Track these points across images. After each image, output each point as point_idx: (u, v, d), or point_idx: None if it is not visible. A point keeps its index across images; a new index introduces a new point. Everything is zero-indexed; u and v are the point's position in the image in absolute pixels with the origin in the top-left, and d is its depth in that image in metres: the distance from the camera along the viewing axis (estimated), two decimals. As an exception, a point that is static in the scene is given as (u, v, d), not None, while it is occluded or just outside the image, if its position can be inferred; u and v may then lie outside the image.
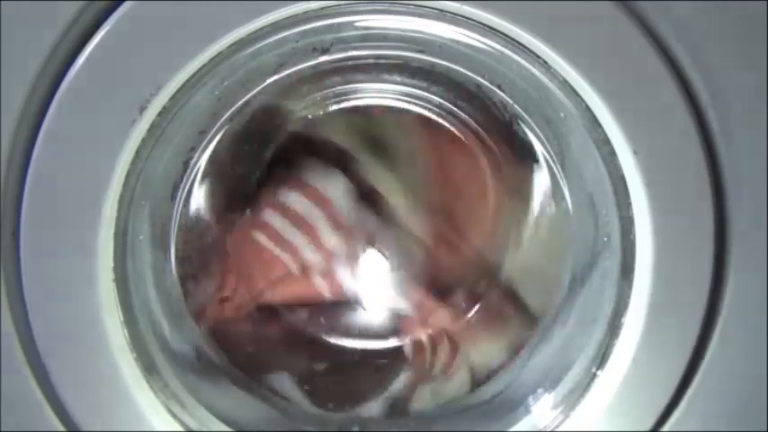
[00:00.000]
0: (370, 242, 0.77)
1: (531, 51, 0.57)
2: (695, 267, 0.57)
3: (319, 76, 0.71)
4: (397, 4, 0.58)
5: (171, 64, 0.55)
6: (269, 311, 0.77)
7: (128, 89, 0.55)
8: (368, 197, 0.77)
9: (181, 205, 0.70)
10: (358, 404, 0.74)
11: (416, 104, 0.77)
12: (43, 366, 0.58)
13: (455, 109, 0.76)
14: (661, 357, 0.59)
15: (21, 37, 0.55)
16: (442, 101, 0.76)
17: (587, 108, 0.58)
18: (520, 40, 0.56)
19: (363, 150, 0.77)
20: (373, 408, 0.74)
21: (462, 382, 0.74)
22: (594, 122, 0.58)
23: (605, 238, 0.63)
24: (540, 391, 0.66)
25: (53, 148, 0.56)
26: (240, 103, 0.68)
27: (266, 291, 0.76)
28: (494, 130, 0.76)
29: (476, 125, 0.76)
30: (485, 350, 0.76)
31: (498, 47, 0.59)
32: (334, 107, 0.76)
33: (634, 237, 0.59)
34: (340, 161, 0.77)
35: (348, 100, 0.76)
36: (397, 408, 0.74)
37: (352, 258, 0.77)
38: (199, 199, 0.73)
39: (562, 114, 0.62)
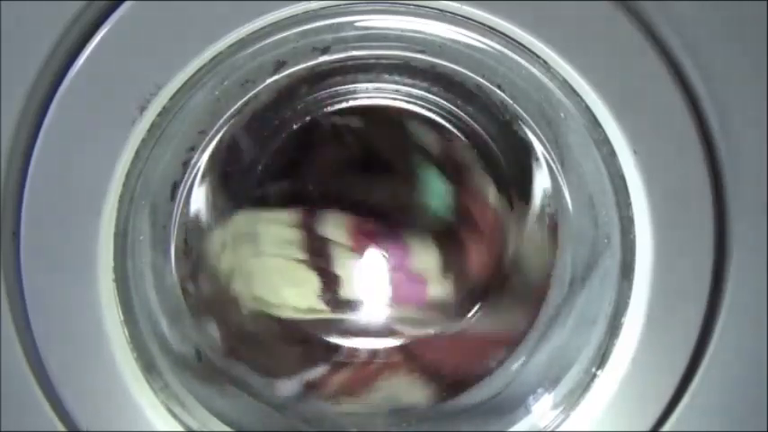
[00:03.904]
0: (371, 242, 0.77)
1: (531, 51, 0.57)
2: (695, 267, 0.57)
3: (319, 76, 0.71)
4: (397, 4, 0.58)
5: (171, 64, 0.55)
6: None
7: (128, 89, 0.55)
8: (368, 197, 0.77)
9: (181, 205, 0.70)
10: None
11: (416, 104, 0.77)
12: (43, 366, 0.58)
13: (455, 109, 0.76)
14: (661, 357, 0.59)
15: (21, 37, 0.55)
16: (442, 101, 0.76)
17: (587, 108, 0.58)
18: (520, 40, 0.56)
19: (365, 151, 0.77)
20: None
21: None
22: (594, 122, 0.58)
23: (605, 239, 0.63)
24: (540, 391, 0.66)
25: (53, 148, 0.56)
26: (240, 103, 0.68)
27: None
28: (494, 130, 0.76)
29: (476, 125, 0.77)
30: (483, 350, 0.76)
31: (498, 47, 0.59)
32: (334, 107, 0.76)
33: (634, 237, 0.59)
34: (340, 161, 0.77)
35: (348, 100, 0.76)
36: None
37: (353, 258, 0.77)
38: (199, 199, 0.73)
39: (562, 114, 0.62)
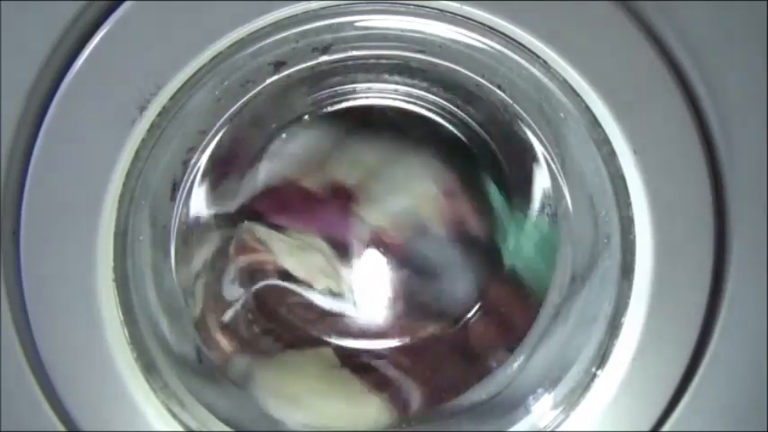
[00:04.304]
0: (371, 242, 0.77)
1: (531, 51, 0.57)
2: (695, 267, 0.57)
3: (319, 76, 0.71)
4: (397, 4, 0.58)
5: (171, 64, 0.55)
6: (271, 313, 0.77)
7: (128, 89, 0.55)
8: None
9: (181, 205, 0.70)
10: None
11: (416, 104, 0.77)
12: (43, 366, 0.58)
13: (455, 109, 0.76)
14: (661, 357, 0.59)
15: (21, 37, 0.55)
16: (442, 101, 0.76)
17: (587, 108, 0.58)
18: (520, 40, 0.56)
19: (364, 150, 0.77)
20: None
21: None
22: (594, 122, 0.58)
23: (605, 239, 0.63)
24: (540, 391, 0.66)
25: (53, 148, 0.56)
26: (240, 103, 0.68)
27: None
28: (494, 130, 0.76)
29: (476, 125, 0.76)
30: (484, 350, 0.76)
31: (498, 47, 0.59)
32: (335, 107, 0.76)
33: (634, 237, 0.59)
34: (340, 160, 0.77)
35: (348, 100, 0.76)
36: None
37: (353, 258, 0.77)
38: (199, 199, 0.73)
39: (562, 114, 0.62)
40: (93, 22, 0.55)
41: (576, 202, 0.68)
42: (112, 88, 0.55)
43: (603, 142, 0.59)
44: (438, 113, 0.77)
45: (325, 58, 0.66)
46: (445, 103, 0.76)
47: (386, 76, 0.75)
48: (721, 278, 0.58)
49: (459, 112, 0.76)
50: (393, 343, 0.77)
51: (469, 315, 0.77)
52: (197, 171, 0.70)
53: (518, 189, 0.76)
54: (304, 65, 0.67)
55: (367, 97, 0.77)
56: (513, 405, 0.67)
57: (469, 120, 0.76)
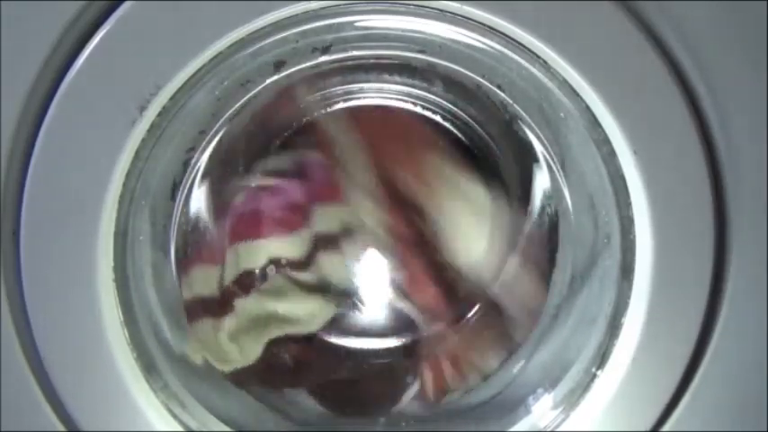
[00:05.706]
0: (371, 242, 0.77)
1: (531, 51, 0.57)
2: (695, 267, 0.57)
3: (319, 76, 0.71)
4: (397, 4, 0.58)
5: (171, 64, 0.55)
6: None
7: (128, 89, 0.55)
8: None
9: (181, 205, 0.70)
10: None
11: (416, 104, 0.77)
12: (43, 366, 0.58)
13: (455, 109, 0.77)
14: (661, 357, 0.59)
15: (21, 37, 0.55)
16: (442, 101, 0.76)
17: (587, 108, 0.58)
18: (520, 40, 0.56)
19: (363, 150, 0.77)
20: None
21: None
22: (594, 122, 0.58)
23: (605, 239, 0.63)
24: (540, 391, 0.66)
25: (53, 148, 0.56)
26: (240, 103, 0.68)
27: None
28: (494, 131, 0.76)
29: (476, 125, 0.77)
30: (484, 350, 0.76)
31: (498, 47, 0.59)
32: (335, 107, 0.76)
33: (634, 237, 0.59)
34: (339, 160, 0.77)
35: (348, 100, 0.76)
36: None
37: (354, 257, 0.77)
38: (199, 199, 0.73)
39: (562, 114, 0.62)
40: (93, 22, 0.55)
41: (576, 202, 0.68)
42: (112, 88, 0.55)
43: (603, 142, 0.59)
44: (438, 113, 0.77)
45: (325, 58, 0.66)
46: (445, 103, 0.76)
47: (386, 76, 0.75)
48: (721, 278, 0.58)
49: (460, 112, 0.76)
50: (393, 342, 0.77)
51: (469, 315, 0.77)
52: (197, 171, 0.71)
53: (518, 189, 0.76)
54: (304, 65, 0.67)
55: (366, 97, 0.77)
56: (513, 405, 0.67)
57: (469, 120, 0.76)
